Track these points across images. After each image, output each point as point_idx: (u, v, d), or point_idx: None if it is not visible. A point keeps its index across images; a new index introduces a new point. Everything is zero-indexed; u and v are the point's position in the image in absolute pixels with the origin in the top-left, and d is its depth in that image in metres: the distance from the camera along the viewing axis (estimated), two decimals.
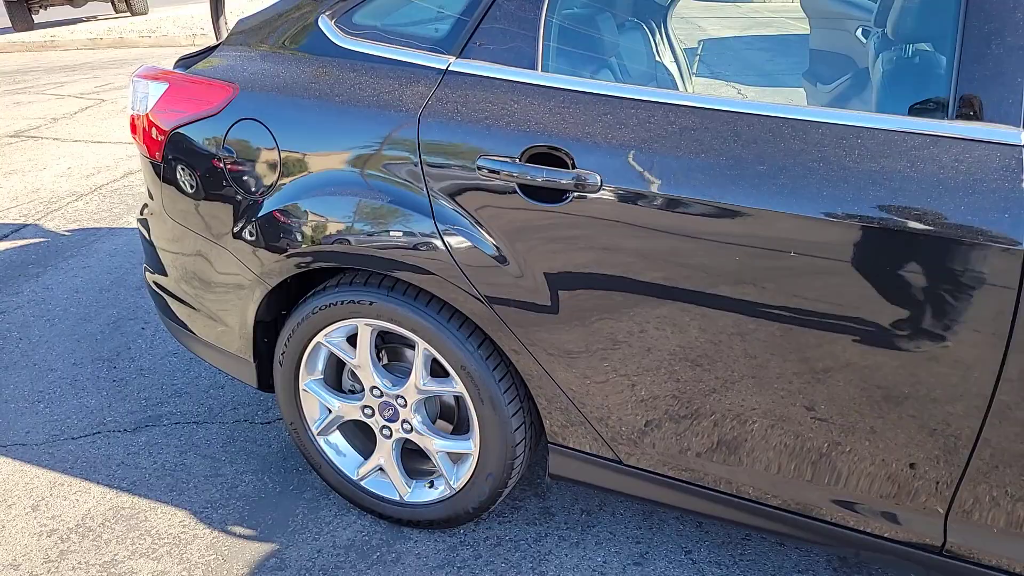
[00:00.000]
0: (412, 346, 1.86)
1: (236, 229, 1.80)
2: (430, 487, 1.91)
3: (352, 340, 1.85)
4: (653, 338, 1.47)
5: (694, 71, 2.09)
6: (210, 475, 2.19)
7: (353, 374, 1.96)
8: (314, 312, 1.80)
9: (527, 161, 1.46)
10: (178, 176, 1.87)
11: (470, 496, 1.83)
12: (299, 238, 1.71)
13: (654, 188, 1.36)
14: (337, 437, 2.00)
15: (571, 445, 1.69)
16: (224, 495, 2.11)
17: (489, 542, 1.91)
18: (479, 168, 1.49)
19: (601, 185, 1.39)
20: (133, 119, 1.97)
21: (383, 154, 1.59)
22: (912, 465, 1.36)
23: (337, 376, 1.98)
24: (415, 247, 1.59)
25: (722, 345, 1.41)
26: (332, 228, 1.66)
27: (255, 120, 1.72)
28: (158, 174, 1.93)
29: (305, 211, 1.69)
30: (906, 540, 1.44)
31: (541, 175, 1.43)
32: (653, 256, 1.40)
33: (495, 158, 1.48)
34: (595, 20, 1.82)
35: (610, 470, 1.67)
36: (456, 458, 1.86)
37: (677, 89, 1.96)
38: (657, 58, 2.11)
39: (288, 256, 1.74)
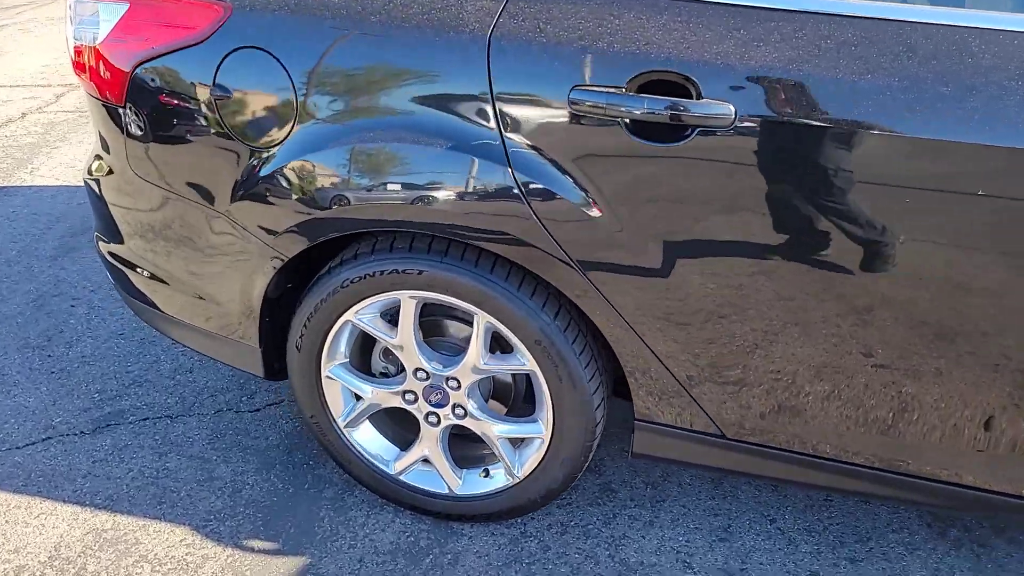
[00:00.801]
0: (462, 319, 1.58)
1: (239, 189, 1.45)
2: (485, 476, 1.67)
3: (387, 316, 1.56)
4: (790, 300, 1.25)
5: None
6: (203, 479, 1.86)
7: (387, 354, 1.67)
8: (344, 286, 1.48)
9: (636, 91, 1.19)
10: (149, 124, 1.49)
11: (539, 484, 1.60)
12: (327, 198, 1.38)
13: (804, 119, 1.13)
14: (368, 428, 1.71)
15: (664, 421, 1.47)
16: (227, 503, 1.80)
17: (554, 530, 1.70)
18: (572, 102, 1.21)
19: (735, 119, 1.14)
20: (78, 51, 1.55)
21: (440, 89, 1.28)
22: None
23: (361, 358, 1.68)
24: (485, 202, 1.30)
25: (880, 308, 1.21)
26: (371, 184, 1.34)
27: (259, 49, 1.36)
28: (117, 123, 1.54)
29: (334, 163, 1.36)
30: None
31: (660, 107, 1.17)
32: (794, 204, 1.17)
33: (594, 89, 1.20)
34: None
35: (710, 445, 1.47)
36: (517, 443, 1.62)
37: None
38: None
39: (311, 221, 1.41)
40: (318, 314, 1.54)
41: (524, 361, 1.47)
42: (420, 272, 1.43)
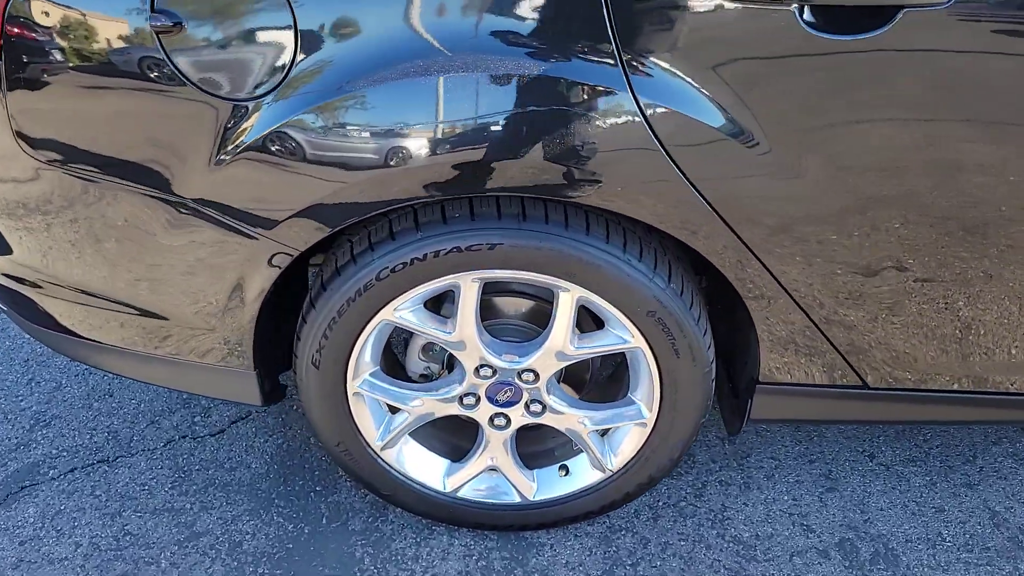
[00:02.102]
0: (516, 291, 1.23)
1: (211, 163, 1.00)
2: (564, 474, 1.37)
3: (429, 305, 1.18)
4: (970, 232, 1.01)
5: None
6: (184, 539, 1.44)
7: (426, 352, 1.29)
8: (380, 277, 1.09)
9: None
10: (47, 74, 0.98)
11: (638, 474, 1.32)
12: (357, 160, 0.97)
13: None
14: (412, 445, 1.34)
15: (797, 380, 1.22)
16: (230, 564, 1.39)
17: (643, 517, 1.44)
18: None
19: None
20: None
21: None
22: None
23: (385, 361, 1.30)
24: (597, 143, 0.94)
25: None
26: (428, 134, 0.95)
27: None
28: None
29: (364, 110, 0.95)
30: None
31: None
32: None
33: None
34: None
35: (849, 399, 1.24)
36: (603, 432, 1.32)
37: None
38: None
39: (341, 192, 1.00)
40: (344, 317, 1.13)
41: (627, 338, 1.16)
42: (492, 246, 1.06)
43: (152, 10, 0.92)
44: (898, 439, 1.57)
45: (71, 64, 0.98)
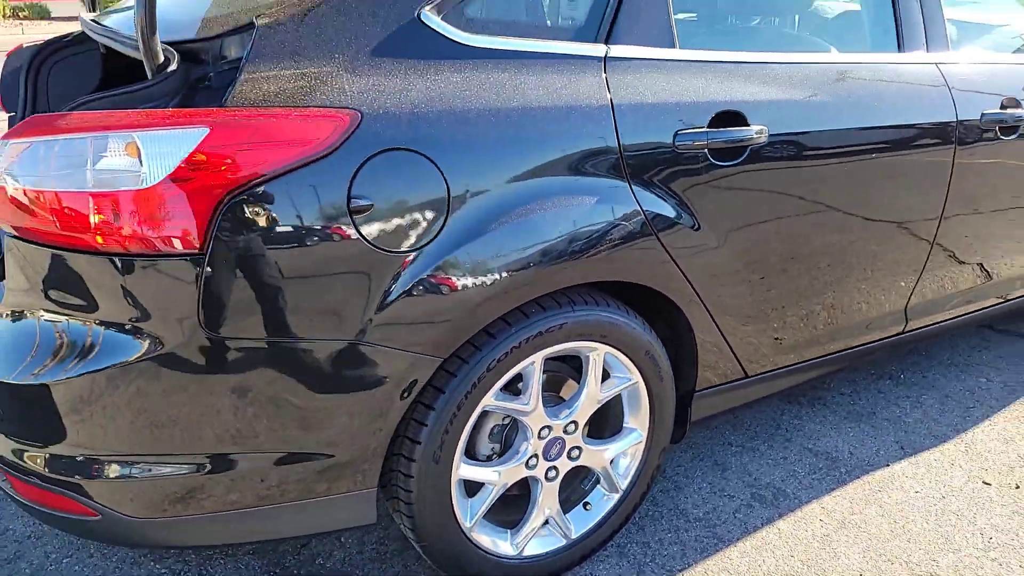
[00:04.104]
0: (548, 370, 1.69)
1: (381, 302, 1.32)
2: (587, 510, 1.78)
3: (508, 387, 1.58)
4: (811, 261, 1.82)
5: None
6: None
7: (491, 435, 1.63)
8: (490, 368, 1.47)
9: (711, 127, 1.59)
10: (249, 263, 1.23)
11: (640, 484, 1.80)
12: (499, 278, 1.39)
13: (804, 129, 1.70)
14: (484, 525, 1.64)
15: (715, 383, 1.87)
16: None
17: (635, 531, 1.91)
18: (677, 144, 1.54)
19: (769, 135, 1.65)
20: (101, 203, 1.17)
21: (581, 150, 1.45)
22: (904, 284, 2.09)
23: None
24: (630, 240, 1.52)
25: (856, 242, 1.87)
26: (542, 248, 1.42)
27: (406, 149, 1.29)
28: (183, 276, 1.21)
29: (500, 242, 1.38)
30: (894, 331, 2.18)
31: (730, 135, 1.59)
32: (818, 188, 1.74)
33: (691, 130, 1.55)
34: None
35: (740, 388, 1.92)
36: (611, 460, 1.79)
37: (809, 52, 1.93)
38: (787, 23, 2.19)
39: (482, 304, 1.39)
40: (462, 410, 1.47)
41: (631, 377, 1.69)
42: (561, 326, 1.52)
43: (349, 195, 1.25)
44: (735, 430, 2.30)
45: (271, 251, 1.22)
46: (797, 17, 2.12)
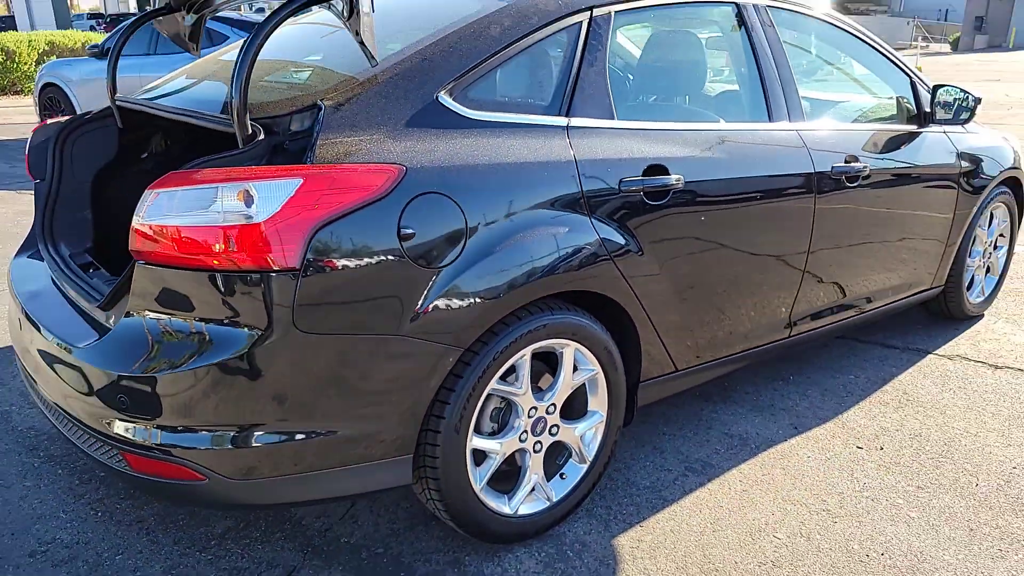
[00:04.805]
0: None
1: (421, 305, 1.78)
2: (563, 479, 2.25)
3: (504, 377, 2.04)
4: (720, 278, 2.39)
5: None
6: None
7: (492, 416, 2.08)
8: (495, 358, 1.94)
9: (644, 175, 2.16)
10: (330, 276, 1.67)
11: (603, 456, 2.28)
12: (499, 286, 1.87)
13: (708, 177, 2.30)
14: (488, 488, 2.07)
15: (653, 375, 2.39)
16: None
17: (599, 497, 2.37)
18: (621, 188, 2.10)
19: (684, 182, 2.23)
20: (224, 235, 1.59)
21: (555, 194, 1.98)
22: (788, 297, 2.71)
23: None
24: (592, 261, 2.05)
25: (753, 263, 2.46)
26: (531, 265, 1.92)
27: (437, 193, 1.78)
28: (281, 287, 1.63)
29: (503, 260, 1.87)
30: (782, 335, 2.79)
31: (658, 181, 2.16)
32: (719, 222, 2.33)
33: (632, 179, 2.12)
34: (648, 82, 2.57)
35: (672, 379, 2.46)
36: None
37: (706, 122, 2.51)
38: (689, 101, 2.74)
39: (491, 308, 1.86)
40: (475, 392, 1.92)
41: (593, 368, 2.19)
42: (544, 326, 2.01)
43: (399, 226, 1.71)
44: (667, 423, 2.82)
45: (345, 267, 1.66)
46: (691, 97, 2.75)
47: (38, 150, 2.53)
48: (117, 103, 2.51)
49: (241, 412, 1.67)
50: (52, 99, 9.95)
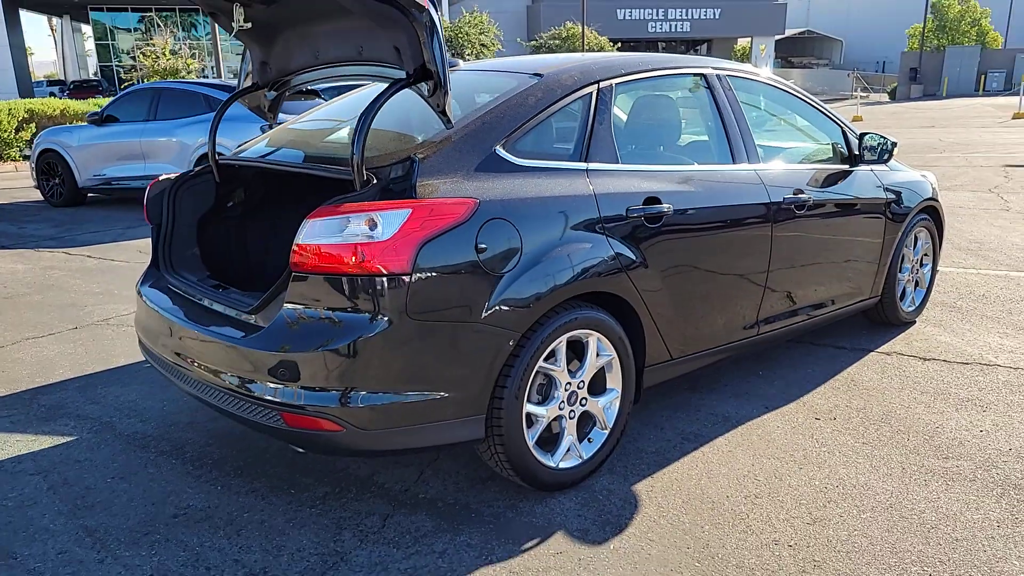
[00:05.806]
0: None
1: (492, 300, 2.42)
2: (590, 442, 2.87)
3: (547, 359, 2.68)
4: (701, 285, 3.08)
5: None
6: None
7: (537, 390, 2.71)
8: (543, 342, 2.58)
9: (644, 205, 2.85)
10: (431, 278, 2.31)
11: (619, 424, 2.92)
12: (544, 287, 2.53)
13: (693, 206, 3.01)
14: (537, 447, 2.69)
15: (655, 361, 3.05)
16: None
17: (629, 453, 3.00)
18: (628, 215, 2.79)
19: (673, 209, 2.94)
20: (358, 249, 2.23)
21: (581, 219, 2.66)
22: (756, 303, 3.41)
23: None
24: (609, 269, 2.72)
25: (730, 276, 3.16)
26: (567, 272, 2.59)
27: (501, 219, 2.45)
28: (399, 285, 2.27)
29: (547, 268, 2.54)
30: (751, 334, 3.48)
31: (654, 209, 2.86)
32: (700, 241, 3.03)
33: (635, 207, 2.81)
34: (640, 134, 3.22)
35: (670, 365, 3.12)
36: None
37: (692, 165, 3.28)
38: (671, 148, 3.43)
39: (540, 302, 2.51)
40: (528, 367, 2.55)
41: (611, 353, 2.84)
42: (575, 319, 2.66)
43: (476, 241, 2.36)
44: (663, 408, 3.47)
45: (440, 271, 2.30)
46: (672, 145, 3.48)
47: (155, 201, 3.14)
48: (220, 161, 3.15)
49: (370, 377, 2.28)
50: (50, 164, 10.43)
